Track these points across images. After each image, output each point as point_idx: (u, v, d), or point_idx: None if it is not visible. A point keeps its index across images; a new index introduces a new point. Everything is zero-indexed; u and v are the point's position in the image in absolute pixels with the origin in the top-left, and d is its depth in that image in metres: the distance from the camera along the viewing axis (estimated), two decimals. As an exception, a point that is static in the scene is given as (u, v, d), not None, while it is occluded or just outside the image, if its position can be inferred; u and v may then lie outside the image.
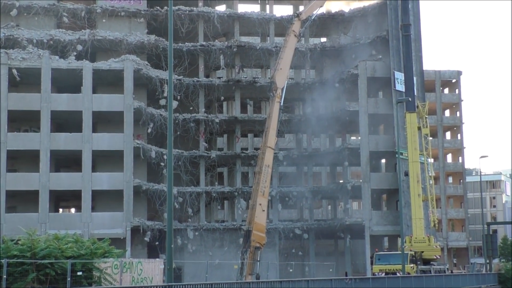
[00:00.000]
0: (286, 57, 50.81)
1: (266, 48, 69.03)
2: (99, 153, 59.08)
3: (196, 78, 67.57)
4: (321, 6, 58.18)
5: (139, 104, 60.25)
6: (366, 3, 70.54)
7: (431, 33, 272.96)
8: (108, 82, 61.20)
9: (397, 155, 53.39)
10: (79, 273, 28.85)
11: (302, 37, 69.20)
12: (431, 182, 56.35)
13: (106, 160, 60.45)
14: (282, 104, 49.19)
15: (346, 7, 72.48)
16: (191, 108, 68.31)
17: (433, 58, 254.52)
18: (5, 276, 27.09)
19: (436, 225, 55.30)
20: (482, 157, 73.94)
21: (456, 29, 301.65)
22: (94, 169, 59.37)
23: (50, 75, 58.57)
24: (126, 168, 58.40)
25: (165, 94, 63.55)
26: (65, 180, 58.30)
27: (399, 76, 62.58)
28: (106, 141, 58.80)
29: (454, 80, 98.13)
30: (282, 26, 68.45)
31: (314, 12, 57.72)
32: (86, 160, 57.93)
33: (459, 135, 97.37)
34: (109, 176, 58.61)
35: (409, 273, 46.26)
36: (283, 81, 49.86)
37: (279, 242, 66.76)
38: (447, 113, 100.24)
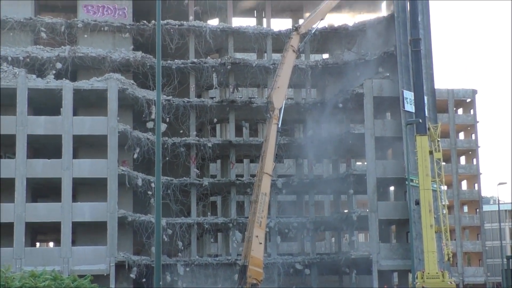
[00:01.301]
0: (284, 75, 50.92)
1: (263, 65, 69.23)
2: (80, 181, 59.01)
3: (187, 99, 67.65)
4: (322, 19, 58.30)
5: (124, 127, 60.24)
6: (372, 16, 70.87)
7: (443, 49, 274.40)
8: (90, 103, 61.26)
9: (407, 182, 53.23)
10: (58, 314, 28.68)
11: (301, 53, 69.31)
12: (444, 212, 56.19)
13: (88, 188, 60.38)
14: (280, 126, 49.23)
15: (350, 21, 72.81)
16: (181, 131, 68.31)
17: (446, 76, 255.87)
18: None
19: (451, 259, 55.07)
20: (500, 184, 74.03)
21: (470, 44, 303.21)
22: (74, 198, 59.25)
23: (27, 96, 58.61)
24: (110, 198, 58.27)
25: (153, 116, 63.53)
26: (43, 211, 58.14)
27: (409, 95, 62.68)
28: (88, 167, 58.76)
29: (468, 100, 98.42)
30: (280, 41, 68.66)
31: (314, 26, 57.91)
32: (66, 189, 57.81)
33: (474, 160, 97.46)
34: (91, 207, 58.48)
35: (421, 312, 46.01)
36: (281, 100, 49.92)
37: (278, 278, 66.47)
38: (461, 135, 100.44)
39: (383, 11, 71.21)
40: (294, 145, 69.60)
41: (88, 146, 61.09)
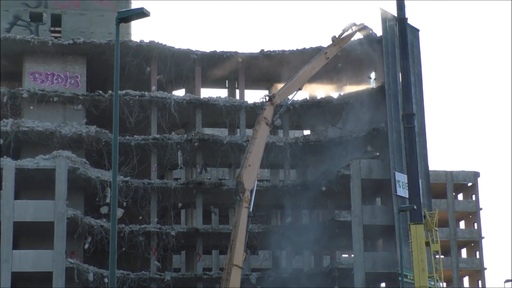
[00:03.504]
0: (256, 151, 50.81)
1: (236, 142, 69.06)
2: (20, 276, 58.14)
3: (147, 180, 67.27)
4: (300, 89, 58.34)
5: (74, 213, 59.80)
6: (360, 88, 71.24)
7: (438, 126, 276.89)
8: (35, 184, 60.83)
9: (400, 278, 52.66)
10: None
11: (279, 128, 69.29)
12: (443, 313, 55.62)
13: (30, 285, 59.44)
14: (252, 210, 48.84)
15: (334, 93, 73.19)
16: (140, 217, 67.74)
17: (442, 157, 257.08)
18: None
19: None
20: (507, 281, 73.61)
21: (470, 121, 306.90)
22: (13, 295, 58.22)
23: (-40, 176, 58.12)
24: (55, 295, 57.37)
25: (108, 200, 63.04)
26: (-25, 313, 57.07)
27: (401, 178, 62.67)
28: (30, 260, 58.02)
29: (470, 184, 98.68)
30: (255, 115, 68.25)
31: (291, 96, 57.92)
32: (4, 285, 56.68)
33: (478, 253, 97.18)
34: (33, 307, 57.65)
35: None
36: (253, 180, 49.72)
37: None
38: (462, 224, 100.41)
39: (372, 82, 71.61)
40: (270, 234, 69.09)
41: (31, 234, 60.40)
